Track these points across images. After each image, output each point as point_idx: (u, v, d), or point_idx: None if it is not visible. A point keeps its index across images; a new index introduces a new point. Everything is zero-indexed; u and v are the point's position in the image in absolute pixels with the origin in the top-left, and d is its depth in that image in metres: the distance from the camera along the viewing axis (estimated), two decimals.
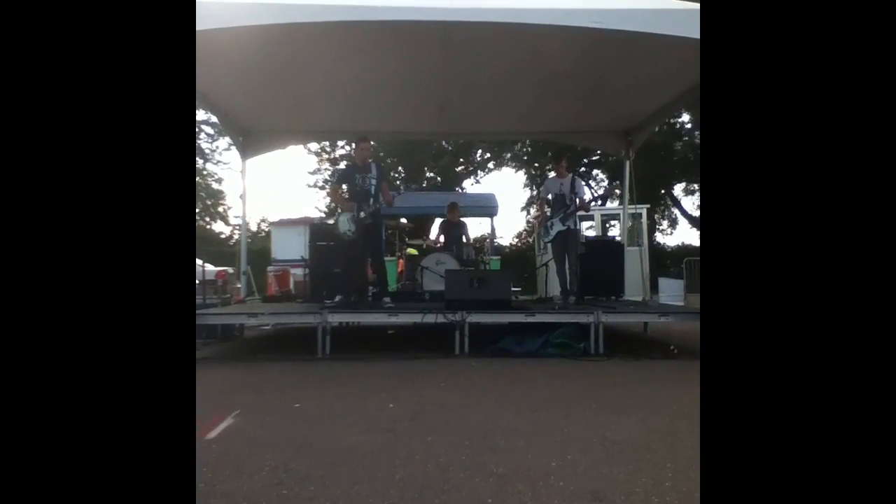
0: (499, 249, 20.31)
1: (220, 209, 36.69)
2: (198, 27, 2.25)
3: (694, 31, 5.54)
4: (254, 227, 32.69)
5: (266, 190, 54.00)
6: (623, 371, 5.37)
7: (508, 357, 6.10)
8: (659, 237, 37.21)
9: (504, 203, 57.33)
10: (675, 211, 38.18)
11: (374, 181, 7.16)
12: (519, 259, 25.95)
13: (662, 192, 34.85)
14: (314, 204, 47.96)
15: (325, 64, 7.35)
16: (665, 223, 38.54)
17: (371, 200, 7.14)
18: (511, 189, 47.03)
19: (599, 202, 10.83)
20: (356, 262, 7.43)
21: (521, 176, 34.46)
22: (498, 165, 31.64)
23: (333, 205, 35.44)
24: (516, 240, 34.23)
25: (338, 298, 7.06)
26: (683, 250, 36.82)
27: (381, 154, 28.07)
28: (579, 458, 2.81)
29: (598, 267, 8.52)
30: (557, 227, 7.72)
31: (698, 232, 38.50)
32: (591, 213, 15.94)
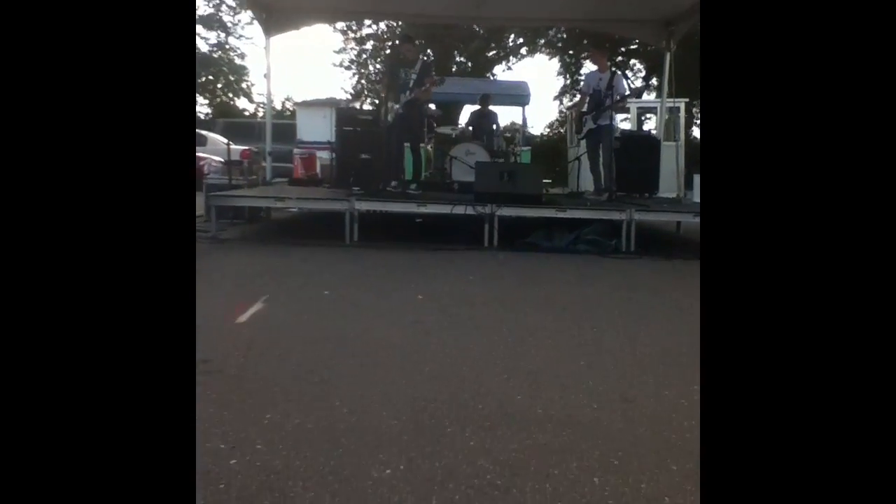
0: (530, 140, 19.95)
1: (244, 85, 36.23)
2: None
3: None
4: (278, 106, 32.32)
5: (290, 69, 52.95)
6: (653, 271, 5.30)
7: (537, 252, 6.03)
8: (697, 132, 36.49)
9: (536, 91, 56.01)
10: None
11: (414, 75, 7.12)
12: (550, 150, 25.53)
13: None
14: (340, 84, 47.33)
15: None
16: None
17: (408, 92, 7.10)
18: (544, 77, 45.85)
19: (633, 97, 10.46)
20: (386, 152, 7.37)
21: (554, 63, 33.49)
22: (531, 52, 30.60)
23: (360, 88, 35.18)
24: (548, 130, 33.67)
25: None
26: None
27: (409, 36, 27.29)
28: (608, 362, 2.78)
29: (632, 163, 8.29)
30: (589, 124, 7.47)
31: None
32: (626, 105, 15.51)
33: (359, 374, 2.49)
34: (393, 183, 7.18)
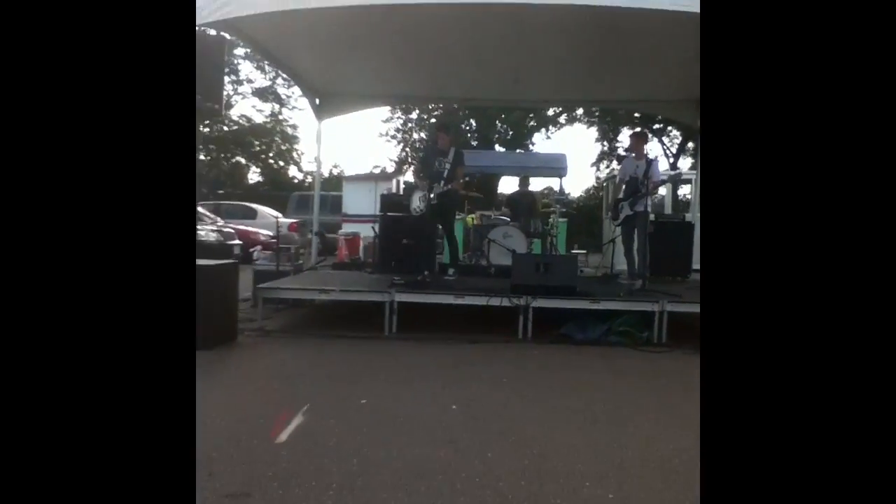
0: (567, 205, 20.11)
1: (294, 154, 37.34)
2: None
3: None
4: (326, 173, 33.11)
5: (338, 136, 54.45)
6: (682, 368, 5.36)
7: (570, 344, 6.15)
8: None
9: (575, 156, 56.57)
10: None
11: (448, 165, 7.46)
12: (587, 215, 25.69)
13: None
14: (386, 154, 48.39)
15: (399, 36, 7.39)
16: None
17: (442, 183, 7.40)
18: (582, 144, 46.33)
19: (668, 183, 10.67)
20: (424, 239, 7.63)
21: (592, 131, 33.91)
22: (569, 121, 31.07)
23: (404, 156, 35.92)
24: (583, 194, 33.83)
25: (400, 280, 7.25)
26: None
27: (455, 107, 27.97)
28: (635, 489, 2.87)
29: (666, 246, 8.45)
30: (626, 210, 7.64)
31: None
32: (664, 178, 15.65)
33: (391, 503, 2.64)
34: (425, 272, 7.39)
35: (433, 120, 31.58)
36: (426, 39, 7.47)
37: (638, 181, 7.57)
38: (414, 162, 34.45)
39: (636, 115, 24.43)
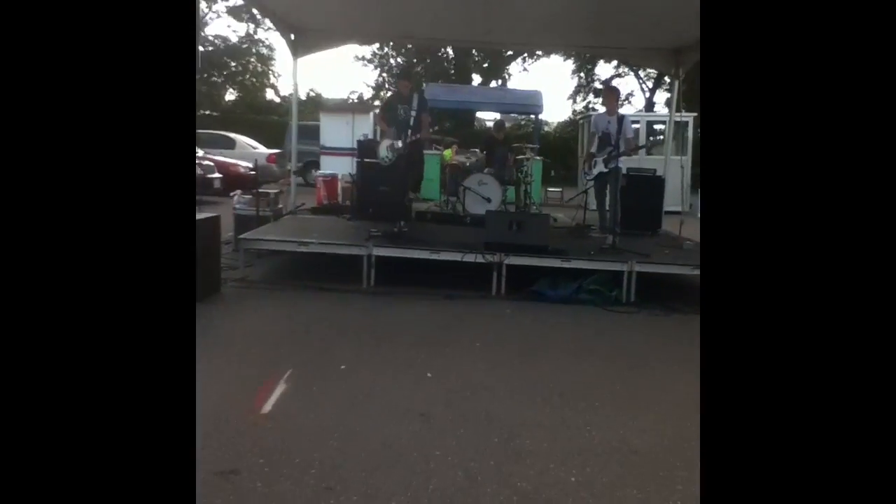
0: (541, 145, 20.20)
1: (271, 77, 36.77)
2: None
3: None
4: (303, 97, 32.65)
5: (314, 61, 53.28)
6: (649, 334, 5.61)
7: (542, 301, 6.37)
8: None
9: (551, 89, 56.15)
10: None
11: (413, 112, 7.47)
12: (563, 148, 25.81)
13: None
14: (363, 78, 47.49)
15: None
16: None
17: (409, 131, 7.45)
18: (559, 76, 45.91)
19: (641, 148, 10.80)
20: (396, 188, 7.72)
21: (569, 63, 33.68)
22: (546, 53, 30.77)
23: (381, 81, 35.37)
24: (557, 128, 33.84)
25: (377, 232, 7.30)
26: None
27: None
28: (597, 473, 3.11)
29: (638, 201, 8.63)
30: (600, 167, 7.78)
31: None
32: (637, 121, 15.78)
33: (370, 493, 2.84)
34: (401, 223, 7.47)
35: (409, 46, 31.10)
36: None
37: (611, 137, 7.69)
38: (391, 88, 34.06)
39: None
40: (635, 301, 6.48)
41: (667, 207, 10.01)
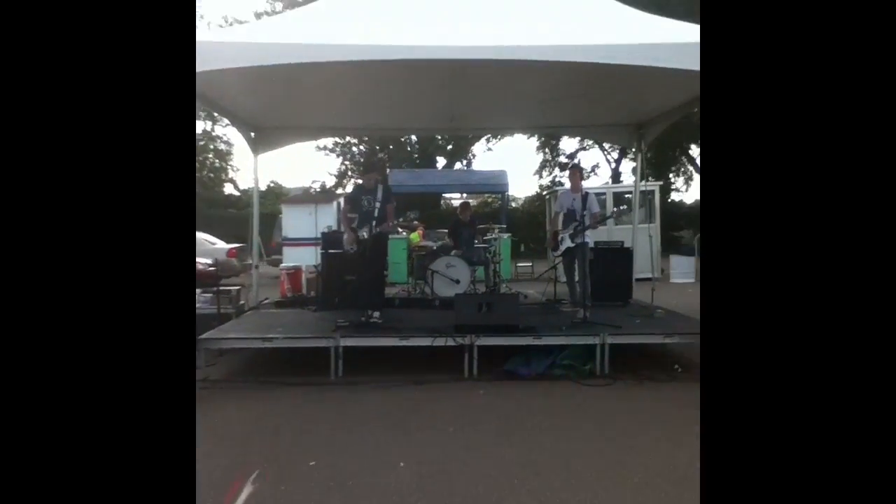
0: (509, 220, 20.45)
1: (230, 171, 37.00)
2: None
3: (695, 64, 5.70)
4: (263, 187, 32.76)
5: (275, 152, 53.93)
6: (624, 404, 5.54)
7: (516, 381, 6.29)
8: (675, 195, 37.42)
9: (517, 166, 57.48)
10: (691, 168, 38.33)
11: (378, 204, 7.42)
12: (531, 222, 26.11)
13: (677, 151, 34.90)
14: (325, 166, 48.09)
15: (336, 76, 7.40)
16: (680, 181, 38.74)
17: (374, 223, 7.39)
18: (524, 152, 47.04)
19: (610, 220, 11.01)
20: (365, 278, 7.66)
21: (533, 140, 34.44)
22: (510, 132, 31.46)
23: (343, 169, 35.71)
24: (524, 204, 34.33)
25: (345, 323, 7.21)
26: (699, 207, 36.97)
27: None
28: None
29: (607, 273, 8.69)
30: (567, 243, 7.85)
31: None
32: (603, 193, 16.10)
33: None
34: (371, 312, 7.39)
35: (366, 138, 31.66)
36: (363, 80, 7.49)
37: (576, 213, 7.78)
38: (353, 176, 34.42)
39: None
40: (609, 373, 6.42)
41: (638, 275, 10.09)
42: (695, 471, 3.96)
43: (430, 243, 11.03)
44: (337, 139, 33.79)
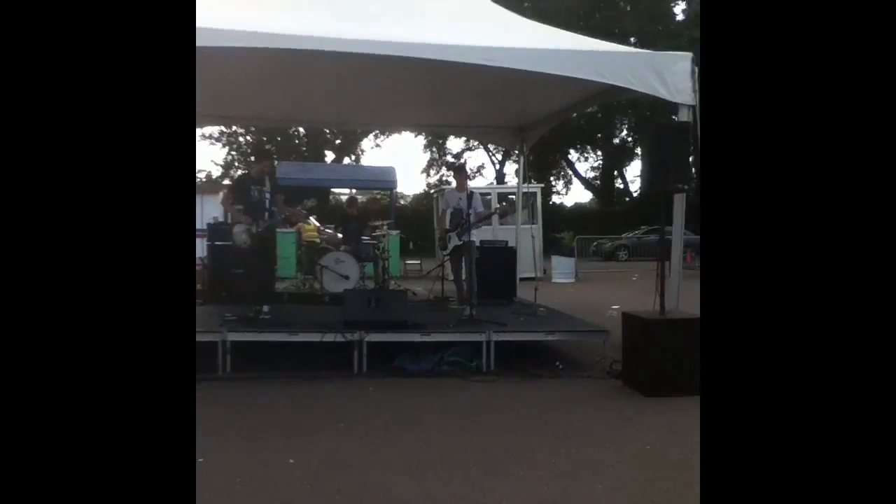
0: (398, 217, 20.56)
1: None
2: None
3: (581, 72, 6.02)
4: None
5: None
6: (512, 400, 5.74)
7: (404, 377, 6.40)
8: (555, 198, 38.74)
9: (406, 164, 57.58)
10: (570, 172, 39.79)
11: (268, 194, 7.32)
12: (420, 220, 26.28)
13: (557, 156, 36.13)
14: (210, 156, 46.69)
15: (221, 67, 7.24)
16: (560, 184, 40.15)
17: (266, 214, 7.28)
18: (412, 150, 47.35)
19: (497, 218, 11.28)
20: (254, 272, 7.54)
21: (421, 139, 34.80)
22: (398, 130, 31.57)
23: (230, 160, 34.76)
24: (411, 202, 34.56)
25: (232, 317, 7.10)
26: (578, 210, 38.54)
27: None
28: None
29: (492, 271, 8.94)
30: (454, 241, 8.04)
31: (590, 193, 40.34)
32: (488, 194, 16.46)
33: None
34: (260, 307, 7.32)
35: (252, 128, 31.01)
36: (250, 68, 7.33)
37: (462, 212, 7.97)
38: (240, 167, 33.56)
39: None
40: (495, 369, 6.62)
41: (521, 274, 10.44)
42: (580, 464, 4.21)
43: (316, 239, 10.95)
44: (223, 128, 32.87)
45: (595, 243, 26.13)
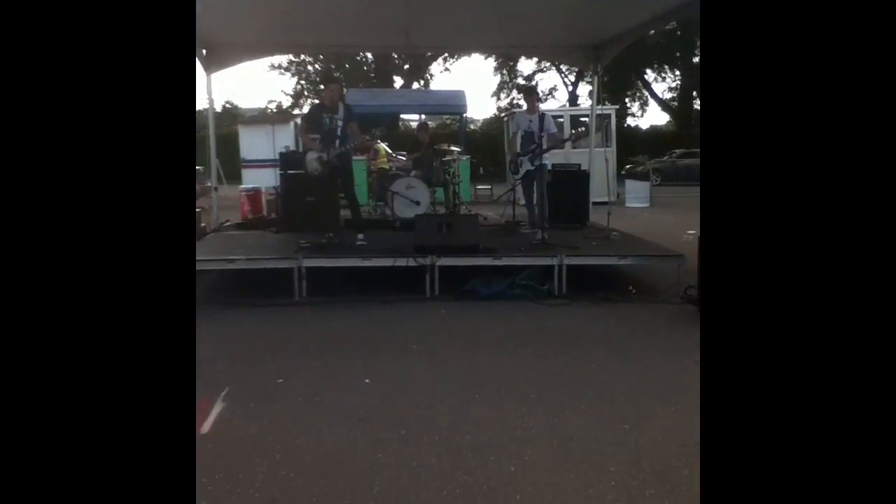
0: (468, 142, 20.41)
1: None
2: None
3: None
4: (218, 108, 32.05)
5: (229, 70, 52.37)
6: (580, 323, 5.75)
7: (475, 300, 6.46)
8: (630, 121, 37.63)
9: (475, 88, 56.73)
10: (646, 93, 38.38)
11: (341, 122, 7.30)
12: (490, 145, 26.03)
13: (633, 76, 34.87)
14: (280, 85, 47.02)
15: None
16: (636, 106, 38.82)
17: (338, 142, 7.29)
18: (482, 74, 46.48)
19: (570, 143, 11.01)
20: (326, 200, 7.65)
21: (491, 61, 34.10)
22: (467, 52, 31.00)
23: (299, 89, 34.90)
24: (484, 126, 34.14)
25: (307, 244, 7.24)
26: (654, 133, 37.26)
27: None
28: (535, 460, 3.19)
29: (564, 195, 8.84)
30: (526, 165, 7.95)
31: (667, 116, 38.97)
32: (560, 116, 16.14)
33: (313, 493, 2.86)
34: (330, 234, 7.45)
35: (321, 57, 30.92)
36: None
37: (534, 134, 7.85)
38: (310, 96, 33.71)
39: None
40: (566, 293, 6.62)
41: (594, 199, 10.27)
42: (648, 388, 4.21)
43: (386, 165, 10.98)
44: (291, 57, 32.95)
45: (627, 166, 24.34)
